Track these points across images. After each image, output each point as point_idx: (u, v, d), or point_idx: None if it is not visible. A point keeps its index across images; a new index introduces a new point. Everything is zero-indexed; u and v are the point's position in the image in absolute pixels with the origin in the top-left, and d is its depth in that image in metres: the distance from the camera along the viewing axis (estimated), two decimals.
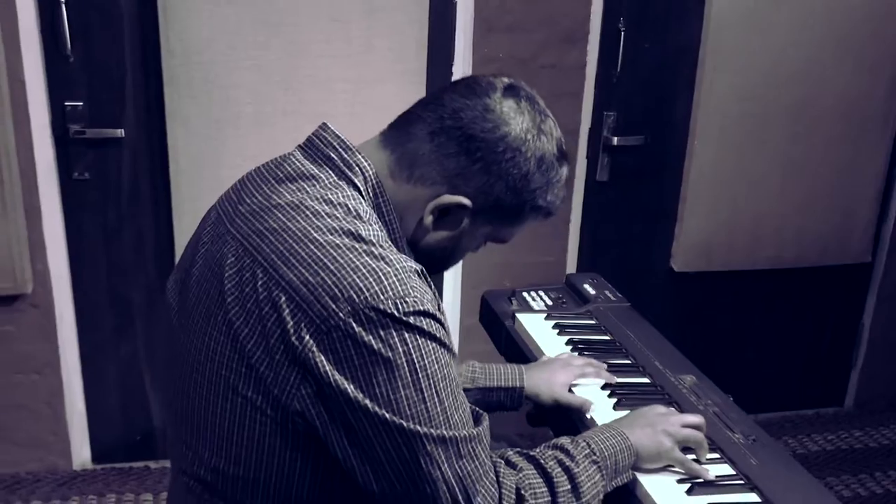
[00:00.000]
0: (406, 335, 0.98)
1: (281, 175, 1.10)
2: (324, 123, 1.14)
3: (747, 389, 2.80)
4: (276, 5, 2.21)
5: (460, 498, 1.03)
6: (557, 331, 1.77)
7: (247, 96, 2.24)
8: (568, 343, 1.71)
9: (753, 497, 1.27)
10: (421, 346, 0.99)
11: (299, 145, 1.15)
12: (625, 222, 2.71)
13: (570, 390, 1.51)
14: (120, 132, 2.29)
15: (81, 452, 2.58)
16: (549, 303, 1.93)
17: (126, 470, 2.60)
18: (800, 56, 2.53)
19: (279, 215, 1.05)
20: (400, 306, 0.98)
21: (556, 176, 1.13)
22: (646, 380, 1.57)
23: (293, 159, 1.12)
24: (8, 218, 2.25)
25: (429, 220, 1.10)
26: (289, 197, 1.06)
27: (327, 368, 0.97)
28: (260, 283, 1.00)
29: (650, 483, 1.28)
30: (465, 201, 1.09)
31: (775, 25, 2.49)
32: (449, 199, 1.09)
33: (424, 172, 1.08)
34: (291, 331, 0.97)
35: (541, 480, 1.13)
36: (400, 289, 0.99)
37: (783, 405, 3.02)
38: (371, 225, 1.05)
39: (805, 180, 2.67)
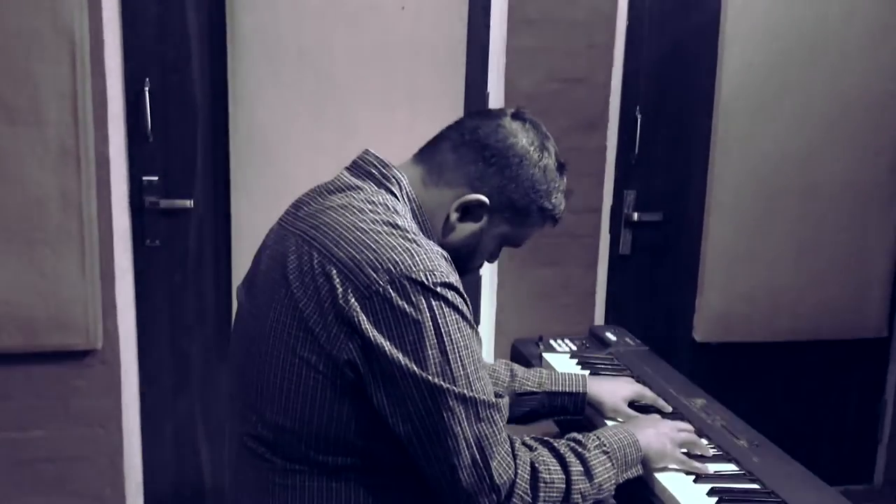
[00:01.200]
0: (433, 302, 1.18)
1: (332, 188, 1.35)
2: (366, 149, 1.39)
3: None
4: (328, 93, 2.51)
5: (478, 457, 1.19)
6: (581, 367, 1.94)
7: (303, 171, 2.50)
8: (592, 373, 1.87)
9: (755, 486, 1.41)
10: (446, 313, 1.19)
11: (346, 167, 1.39)
12: (647, 294, 2.89)
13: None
14: (189, 203, 2.57)
15: None
16: (574, 348, 2.11)
17: None
18: (804, 142, 2.76)
19: (332, 213, 1.28)
20: (429, 277, 1.19)
21: (557, 182, 1.38)
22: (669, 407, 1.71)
23: (341, 176, 1.36)
24: (86, 280, 2.50)
25: (454, 217, 1.33)
26: (339, 201, 1.30)
27: (368, 326, 1.17)
28: (315, 261, 1.23)
29: (663, 476, 1.43)
30: (484, 199, 1.32)
31: (779, 114, 2.73)
32: (470, 197, 1.32)
33: (450, 178, 1.33)
34: (340, 296, 1.18)
35: (555, 460, 1.29)
36: (429, 263, 1.21)
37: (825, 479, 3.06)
38: (406, 219, 1.28)
39: (817, 257, 2.85)
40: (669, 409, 1.68)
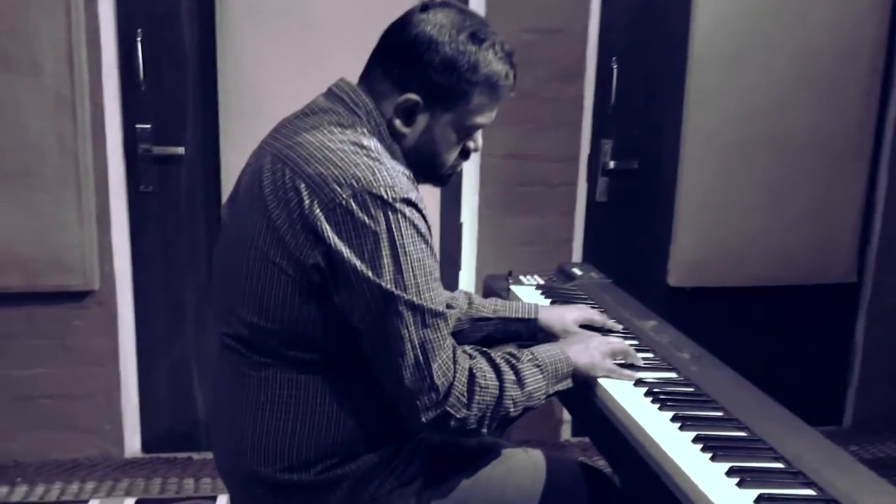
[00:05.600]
0: (391, 216, 1.29)
1: (307, 111, 1.45)
2: (342, 77, 1.49)
3: None
4: (311, 41, 2.61)
5: (421, 359, 1.30)
6: (545, 297, 2.05)
7: None
8: (554, 303, 1.99)
9: (690, 389, 1.53)
10: (402, 227, 1.29)
11: (322, 93, 1.49)
12: (623, 241, 3.00)
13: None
14: (181, 150, 2.68)
15: (133, 442, 2.87)
16: (542, 282, 2.22)
17: (171, 460, 2.88)
18: (774, 91, 2.85)
19: (304, 134, 1.39)
20: (389, 192, 1.30)
21: (481, 52, 1.37)
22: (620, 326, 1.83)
23: (316, 100, 1.46)
24: (82, 223, 2.62)
25: (398, 123, 1.41)
26: (311, 123, 1.41)
27: (331, 235, 1.28)
28: (287, 177, 1.34)
29: (605, 381, 1.54)
30: (413, 96, 1.39)
31: (751, 64, 2.82)
32: (400, 99, 1.39)
33: (383, 90, 1.41)
34: (307, 207, 1.30)
35: (490, 368, 1.39)
36: (390, 181, 1.31)
37: None
38: (371, 139, 1.38)
39: (787, 204, 2.95)
40: (619, 327, 1.79)
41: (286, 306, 1.33)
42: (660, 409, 1.43)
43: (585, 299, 2.02)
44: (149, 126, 2.67)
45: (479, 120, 1.45)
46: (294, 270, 1.31)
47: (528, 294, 2.08)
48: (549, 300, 2.02)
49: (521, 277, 2.24)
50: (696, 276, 2.99)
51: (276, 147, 1.41)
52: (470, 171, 2.86)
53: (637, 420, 1.39)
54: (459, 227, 2.91)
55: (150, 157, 2.69)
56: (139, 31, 2.59)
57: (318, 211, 1.29)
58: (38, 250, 2.62)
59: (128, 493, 2.67)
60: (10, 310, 2.68)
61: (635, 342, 1.74)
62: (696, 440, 1.32)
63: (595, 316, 1.79)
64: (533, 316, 1.78)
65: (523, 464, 1.53)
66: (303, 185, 1.31)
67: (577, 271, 2.25)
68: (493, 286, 2.21)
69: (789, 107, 2.87)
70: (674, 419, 1.39)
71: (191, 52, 2.66)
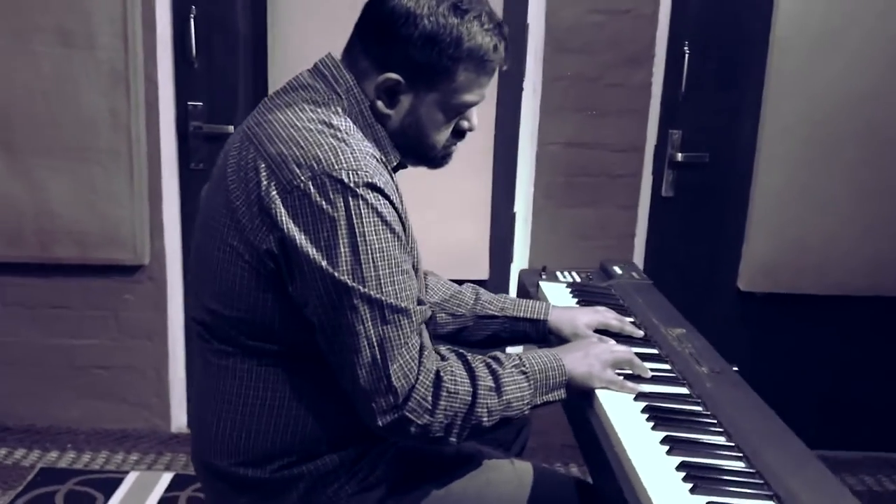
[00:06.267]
0: (351, 201, 1.18)
1: (287, 87, 1.36)
2: (328, 52, 1.39)
3: (820, 422, 2.76)
4: None
5: (378, 358, 1.18)
6: (573, 296, 1.90)
7: None
8: (582, 303, 1.84)
9: (697, 408, 1.36)
10: (363, 213, 1.19)
11: (308, 69, 1.40)
12: (690, 239, 2.79)
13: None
14: (231, 128, 2.66)
15: (179, 417, 2.90)
16: (578, 279, 2.07)
17: None
18: (869, 78, 2.57)
19: (276, 112, 1.30)
20: (351, 176, 1.19)
21: (461, 27, 1.26)
22: (641, 332, 1.67)
23: (299, 76, 1.37)
24: (134, 198, 2.65)
25: (380, 104, 1.31)
26: (287, 98, 1.32)
27: (285, 219, 1.19)
28: (250, 156, 1.26)
29: (602, 392, 1.40)
30: (393, 75, 1.28)
31: (843, 47, 2.55)
32: (380, 79, 1.29)
33: (364, 68, 1.31)
34: (264, 189, 1.21)
35: (464, 373, 1.26)
36: (354, 163, 1.21)
37: (863, 444, 2.91)
38: (343, 119, 1.28)
39: (876, 205, 2.66)
40: (640, 334, 1.63)
41: (243, 294, 1.26)
42: (653, 427, 1.28)
43: (615, 300, 1.86)
44: (200, 104, 2.66)
45: (468, 98, 1.33)
46: (250, 256, 1.24)
47: (557, 292, 1.94)
48: (576, 299, 1.87)
49: (557, 273, 2.10)
50: (769, 280, 2.75)
51: (249, 124, 1.33)
52: (525, 159, 2.72)
53: (620, 436, 1.25)
54: (512, 217, 2.77)
55: (200, 134, 2.68)
56: (193, 7, 2.58)
57: (273, 193, 1.20)
58: (92, 224, 2.66)
59: (167, 468, 2.69)
60: (66, 280, 2.75)
61: (654, 351, 1.58)
62: (680, 467, 1.16)
63: (612, 320, 1.63)
64: (542, 317, 1.64)
65: (506, 476, 1.41)
66: (262, 165, 1.23)
67: (617, 269, 2.09)
68: (525, 281, 2.08)
69: (882, 96, 2.58)
70: (664, 441, 1.24)
71: (243, 30, 2.63)
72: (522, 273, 2.15)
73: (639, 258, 2.79)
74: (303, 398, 1.29)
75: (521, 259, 2.80)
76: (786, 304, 2.79)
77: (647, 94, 2.67)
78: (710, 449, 1.23)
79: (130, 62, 2.55)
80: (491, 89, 2.61)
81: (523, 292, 2.05)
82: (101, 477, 2.61)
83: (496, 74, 1.40)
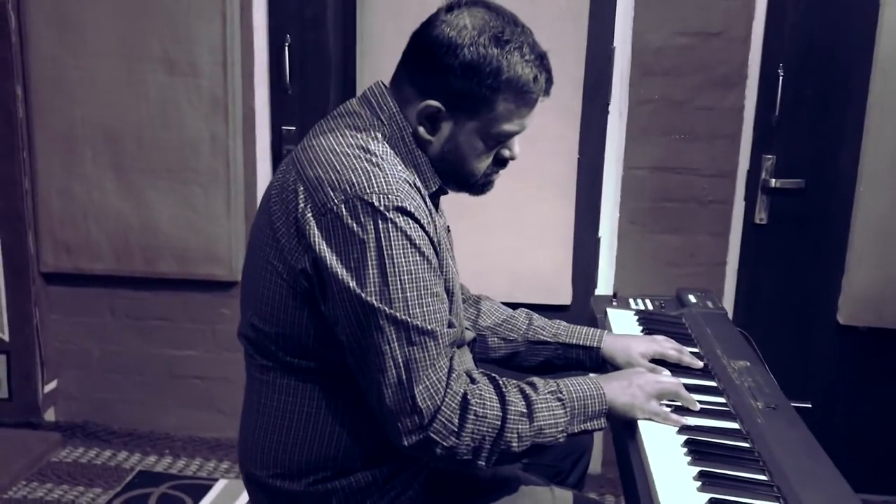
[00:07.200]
0: (380, 224, 1.21)
1: (336, 113, 1.41)
2: (378, 80, 1.43)
3: None
4: None
5: (404, 378, 1.20)
6: (640, 325, 1.86)
7: None
8: (647, 332, 1.79)
9: (744, 444, 1.31)
10: (392, 237, 1.22)
11: (358, 96, 1.45)
12: (785, 268, 2.66)
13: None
14: None
15: None
16: (650, 307, 2.02)
17: None
18: None
19: (320, 137, 1.35)
20: (381, 200, 1.23)
21: (501, 58, 1.27)
22: (700, 363, 1.62)
23: (347, 103, 1.42)
24: (230, 218, 2.78)
25: (421, 130, 1.33)
26: (332, 124, 1.37)
27: (318, 240, 1.24)
28: (292, 179, 1.31)
29: (644, 423, 1.36)
30: (434, 103, 1.30)
31: None
32: (420, 105, 1.31)
33: (407, 95, 1.34)
34: (301, 210, 1.26)
35: (494, 395, 1.26)
36: (385, 187, 1.24)
37: None
38: (381, 144, 1.32)
39: None
40: (699, 364, 1.58)
41: (281, 311, 1.31)
42: (690, 462, 1.24)
43: (683, 329, 1.81)
44: (293, 128, 2.77)
45: (507, 127, 1.34)
46: (288, 275, 1.28)
47: (624, 319, 1.90)
48: (641, 328, 1.83)
49: (630, 301, 2.06)
50: (872, 314, 2.59)
51: (297, 148, 1.39)
52: (610, 183, 2.68)
53: (652, 467, 1.21)
54: (596, 242, 2.74)
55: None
56: (288, 36, 2.70)
57: (309, 215, 1.25)
58: (192, 241, 2.81)
59: None
60: (168, 294, 2.91)
61: (711, 383, 1.53)
62: (710, 503, 1.12)
63: (669, 350, 1.58)
64: (595, 344, 1.61)
65: None
66: (301, 188, 1.28)
67: (692, 298, 2.03)
68: (594, 308, 2.04)
69: None
70: (699, 476, 1.19)
71: (335, 56, 2.73)
72: (594, 299, 2.12)
73: (730, 287, 2.69)
74: (338, 415, 1.32)
75: (605, 285, 2.75)
76: (891, 339, 2.61)
77: (738, 117, 2.58)
78: (745, 485, 1.18)
79: (229, 89, 2.69)
80: (574, 113, 2.61)
81: (591, 319, 2.01)
82: (193, 483, 2.74)
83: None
